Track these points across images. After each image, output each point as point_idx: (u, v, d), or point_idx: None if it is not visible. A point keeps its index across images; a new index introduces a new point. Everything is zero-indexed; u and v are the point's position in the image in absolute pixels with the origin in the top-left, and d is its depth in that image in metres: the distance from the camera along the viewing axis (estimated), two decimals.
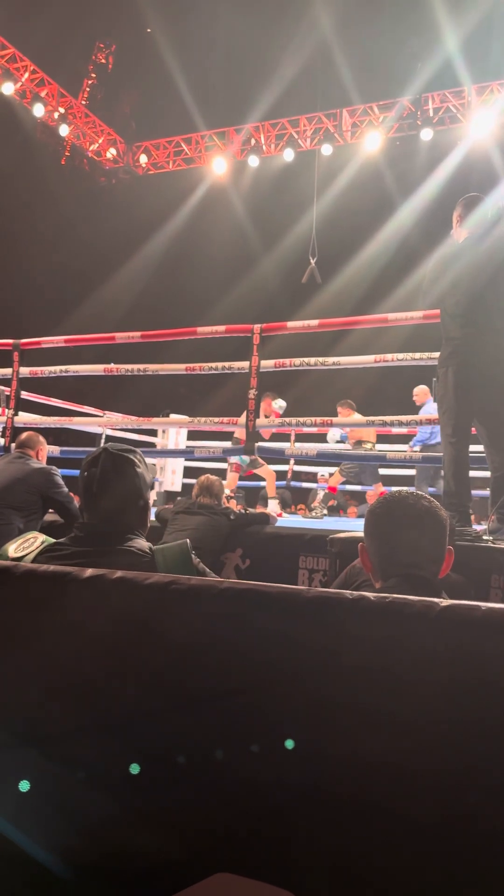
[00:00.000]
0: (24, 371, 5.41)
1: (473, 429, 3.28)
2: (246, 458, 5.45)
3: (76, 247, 13.43)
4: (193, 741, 0.85)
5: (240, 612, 0.88)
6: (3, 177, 12.51)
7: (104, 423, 6.73)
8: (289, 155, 11.28)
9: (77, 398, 7.61)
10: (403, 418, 5.23)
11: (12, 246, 13.13)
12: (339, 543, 2.87)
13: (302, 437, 7.25)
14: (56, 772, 0.89)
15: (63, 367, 5.39)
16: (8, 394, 5.51)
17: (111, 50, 17.09)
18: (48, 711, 0.93)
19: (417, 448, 6.29)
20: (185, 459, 7.79)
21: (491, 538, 2.98)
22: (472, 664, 0.77)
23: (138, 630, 0.92)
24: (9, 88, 10.52)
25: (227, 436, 6.68)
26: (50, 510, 3.66)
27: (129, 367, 5.17)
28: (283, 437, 7.00)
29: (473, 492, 3.81)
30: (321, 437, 7.05)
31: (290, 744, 0.80)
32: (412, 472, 7.00)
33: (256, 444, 4.64)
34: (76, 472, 1.69)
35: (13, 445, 4.31)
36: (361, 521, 1.54)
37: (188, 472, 7.82)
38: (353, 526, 4.49)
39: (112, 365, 5.32)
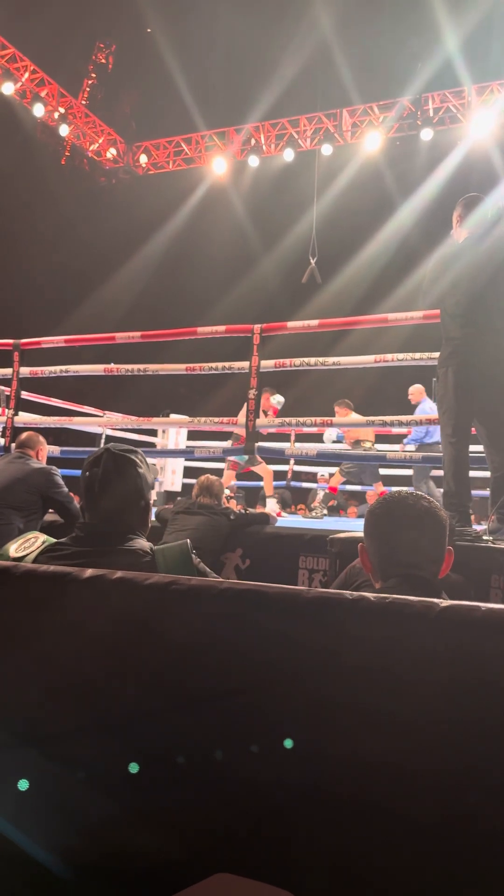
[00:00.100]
0: (24, 371, 5.41)
1: (473, 429, 3.28)
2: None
3: (76, 247, 13.42)
4: (193, 741, 0.85)
5: (240, 612, 0.88)
6: (3, 177, 12.50)
7: (104, 423, 6.73)
8: (289, 155, 11.29)
9: (77, 398, 7.62)
10: (403, 418, 5.23)
11: (12, 246, 13.13)
12: (339, 543, 2.87)
13: (302, 437, 7.26)
14: (56, 772, 0.89)
15: (63, 367, 5.40)
16: (8, 394, 5.51)
17: (111, 50, 17.09)
18: (48, 711, 0.93)
19: (412, 447, 6.30)
20: (185, 459, 7.79)
21: (491, 538, 2.98)
22: (472, 664, 0.77)
23: (138, 630, 0.92)
24: (9, 88, 10.52)
25: (227, 436, 6.67)
26: (50, 510, 3.66)
27: (129, 367, 5.17)
28: (284, 437, 7.00)
29: (473, 492, 3.80)
30: (321, 438, 7.05)
31: (289, 743, 0.80)
32: (411, 472, 7.00)
33: (256, 444, 4.64)
34: (76, 472, 1.69)
35: (13, 445, 4.31)
36: (361, 521, 1.54)
37: (188, 472, 7.82)
38: (353, 526, 4.49)
39: (112, 365, 5.32)
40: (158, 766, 0.85)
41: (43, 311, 12.66)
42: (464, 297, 3.15)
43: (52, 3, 12.79)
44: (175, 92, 11.88)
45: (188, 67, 12.14)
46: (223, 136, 12.38)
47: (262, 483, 6.92)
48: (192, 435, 7.86)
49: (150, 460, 1.68)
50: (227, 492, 4.94)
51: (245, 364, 4.57)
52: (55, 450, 5.24)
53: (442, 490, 3.37)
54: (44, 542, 1.50)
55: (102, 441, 7.06)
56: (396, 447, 6.62)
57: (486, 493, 3.71)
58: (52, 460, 4.18)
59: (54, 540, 1.52)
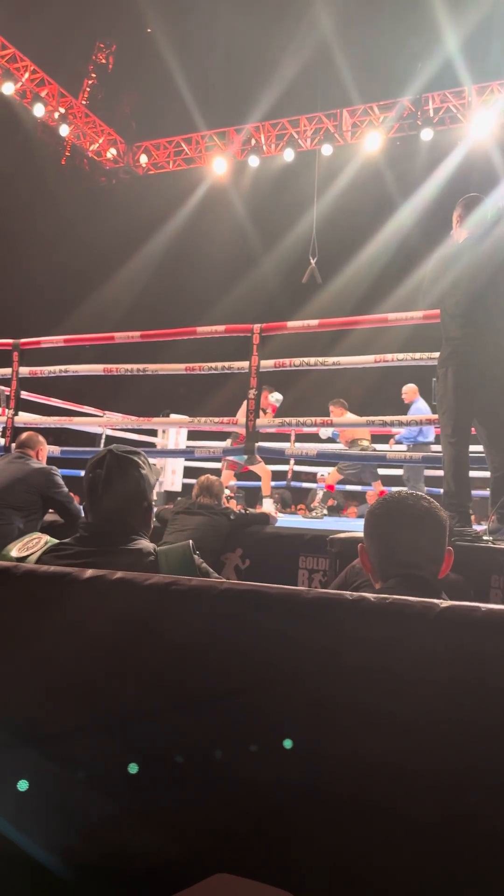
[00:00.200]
0: (24, 371, 5.41)
1: (473, 429, 3.28)
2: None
3: (76, 247, 13.42)
4: (193, 741, 0.85)
5: (240, 612, 0.88)
6: (3, 177, 12.50)
7: (104, 423, 6.73)
8: (289, 155, 11.28)
9: (77, 398, 7.61)
10: (403, 418, 5.23)
11: (12, 246, 13.12)
12: (339, 543, 2.87)
13: (302, 437, 7.25)
14: (56, 772, 0.89)
15: (63, 367, 5.39)
16: (8, 394, 5.51)
17: (111, 50, 17.07)
18: (48, 711, 0.93)
19: (404, 446, 6.32)
20: (185, 459, 7.79)
21: (491, 538, 2.98)
22: (472, 664, 0.77)
23: (138, 630, 0.92)
24: (9, 88, 10.52)
25: (227, 436, 6.67)
26: (50, 510, 3.67)
27: (129, 367, 5.16)
28: (284, 437, 7.00)
29: (473, 492, 3.80)
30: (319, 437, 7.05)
31: (288, 743, 0.80)
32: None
33: (256, 444, 4.64)
34: (76, 472, 1.70)
35: (13, 445, 4.31)
36: (361, 521, 1.54)
37: (188, 472, 7.81)
38: (353, 526, 4.49)
39: (112, 365, 5.32)
40: (158, 766, 0.85)
41: (43, 311, 12.66)
42: (464, 297, 3.15)
43: (52, 3, 12.78)
44: (175, 92, 11.88)
45: (188, 67, 12.14)
46: (223, 136, 12.38)
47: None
48: (192, 435, 7.85)
49: (151, 460, 1.68)
50: (226, 492, 4.94)
51: (245, 364, 4.57)
52: (55, 450, 5.24)
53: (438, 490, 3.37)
54: (46, 543, 1.51)
55: (102, 441, 7.06)
56: (396, 447, 6.63)
57: (486, 493, 3.71)
58: (52, 460, 4.18)
59: (57, 541, 1.53)
